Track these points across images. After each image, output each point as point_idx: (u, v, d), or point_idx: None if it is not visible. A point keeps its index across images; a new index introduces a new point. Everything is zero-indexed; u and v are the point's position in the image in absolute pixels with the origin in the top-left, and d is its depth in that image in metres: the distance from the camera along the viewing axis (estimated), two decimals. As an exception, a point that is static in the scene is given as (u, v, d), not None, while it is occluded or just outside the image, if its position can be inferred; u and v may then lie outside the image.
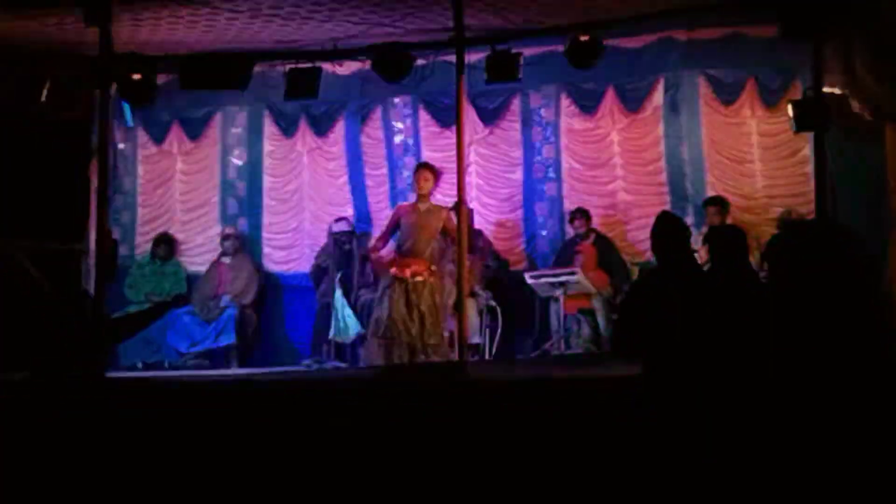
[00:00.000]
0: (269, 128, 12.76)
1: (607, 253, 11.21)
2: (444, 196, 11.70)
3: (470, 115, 11.43)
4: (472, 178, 11.73)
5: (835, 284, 4.81)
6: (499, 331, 11.08)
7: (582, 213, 11.34)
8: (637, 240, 11.26)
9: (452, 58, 9.59)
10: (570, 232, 11.60)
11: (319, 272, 11.75)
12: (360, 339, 11.25)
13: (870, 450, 4.60)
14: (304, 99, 11.38)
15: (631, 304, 5.97)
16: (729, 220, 10.50)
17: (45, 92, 10.68)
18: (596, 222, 11.40)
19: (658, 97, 11.49)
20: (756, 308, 5.19)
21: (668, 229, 5.82)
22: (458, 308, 9.18)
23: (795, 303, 4.87)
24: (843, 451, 4.61)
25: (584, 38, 9.84)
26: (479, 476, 7.40)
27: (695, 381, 5.30)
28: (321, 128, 12.55)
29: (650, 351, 5.53)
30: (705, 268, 6.35)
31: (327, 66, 11.12)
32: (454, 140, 9.58)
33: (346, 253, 11.64)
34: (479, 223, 11.67)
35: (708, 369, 5.28)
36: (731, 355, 5.19)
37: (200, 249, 12.75)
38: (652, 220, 6.09)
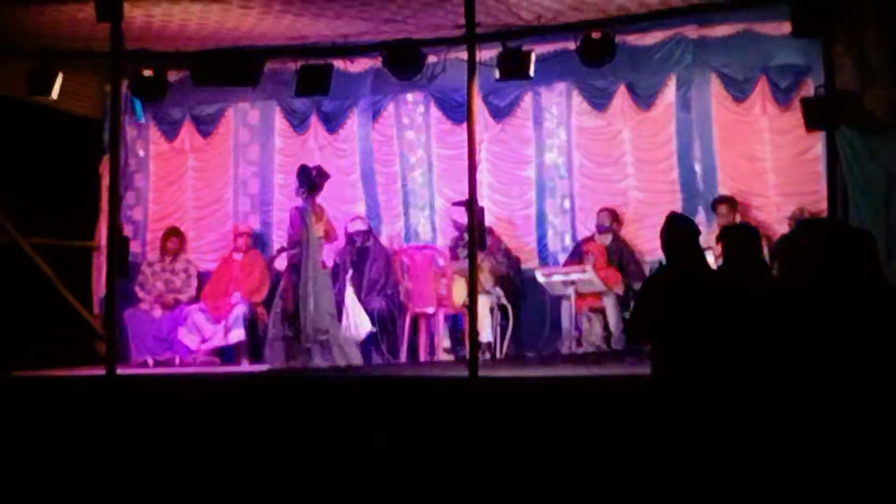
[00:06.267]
0: (280, 124, 12.76)
1: (618, 251, 11.17)
2: (455, 194, 11.68)
3: (481, 113, 11.41)
4: (483, 176, 11.69)
5: (845, 283, 4.78)
6: (510, 329, 11.06)
7: (609, 210, 11.34)
8: (649, 238, 11.23)
9: (464, 55, 9.56)
10: (581, 230, 11.57)
11: (337, 269, 11.71)
12: (371, 338, 11.22)
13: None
14: (316, 96, 11.39)
15: (643, 298, 5.96)
16: (740, 218, 10.46)
17: (56, 87, 10.67)
18: (607, 220, 11.37)
19: (670, 95, 11.47)
20: (768, 307, 5.17)
21: (676, 231, 5.79)
22: (470, 306, 9.13)
23: (805, 301, 4.85)
24: (854, 443, 4.59)
25: (595, 35, 9.81)
26: (489, 473, 7.39)
27: (704, 379, 5.28)
28: (333, 125, 12.53)
29: (660, 349, 5.51)
30: (717, 266, 6.33)
31: (339, 63, 11.11)
32: (465, 137, 9.55)
33: (360, 251, 11.61)
34: (489, 221, 11.63)
35: (717, 367, 5.26)
36: (740, 353, 5.16)
37: (212, 246, 12.74)
38: (663, 218, 6.07)
